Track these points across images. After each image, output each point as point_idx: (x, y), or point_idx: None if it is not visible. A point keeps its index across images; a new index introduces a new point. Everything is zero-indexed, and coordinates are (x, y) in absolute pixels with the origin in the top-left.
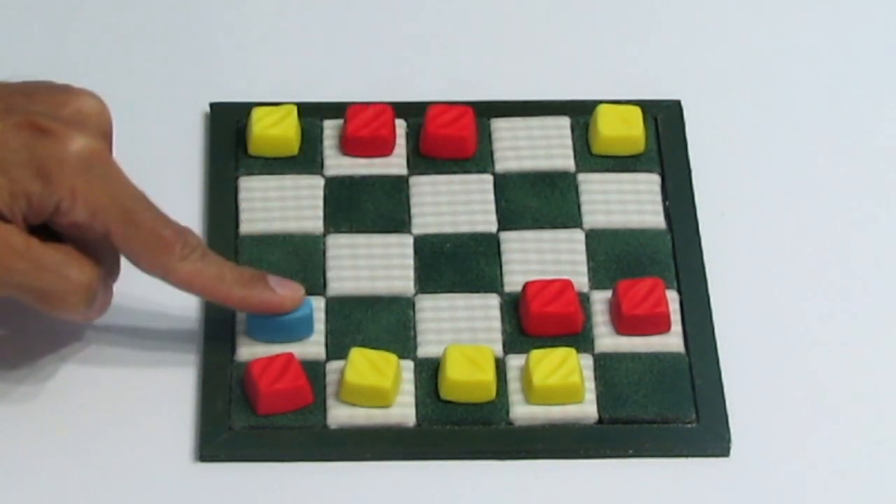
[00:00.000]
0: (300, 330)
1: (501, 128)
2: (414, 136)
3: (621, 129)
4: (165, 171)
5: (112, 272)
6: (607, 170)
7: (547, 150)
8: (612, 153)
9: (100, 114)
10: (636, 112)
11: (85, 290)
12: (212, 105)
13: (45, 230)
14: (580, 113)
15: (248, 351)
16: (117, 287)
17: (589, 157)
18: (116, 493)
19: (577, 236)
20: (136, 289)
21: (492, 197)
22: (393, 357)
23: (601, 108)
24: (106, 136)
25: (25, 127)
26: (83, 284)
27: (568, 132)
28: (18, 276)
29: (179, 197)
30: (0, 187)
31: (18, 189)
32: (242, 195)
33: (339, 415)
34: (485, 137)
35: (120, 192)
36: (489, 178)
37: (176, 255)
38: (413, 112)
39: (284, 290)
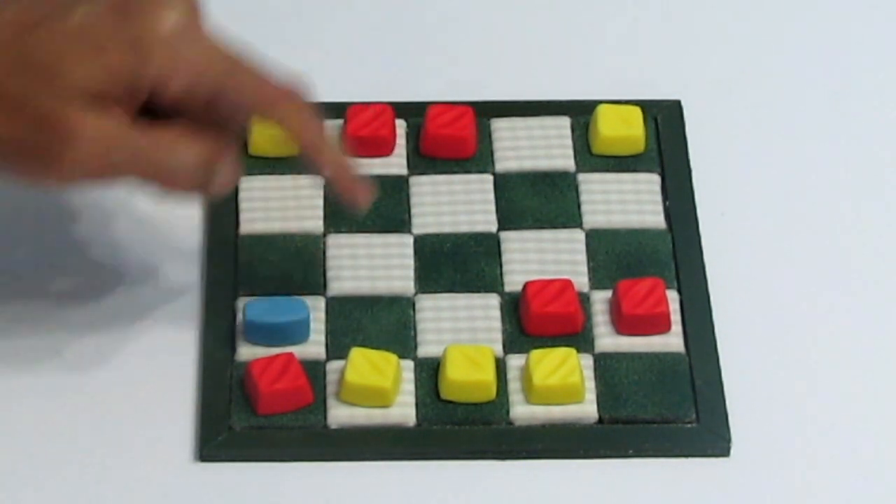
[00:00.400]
0: (297, 334)
1: (501, 128)
2: (414, 136)
3: (621, 129)
4: None
5: (231, 140)
6: (607, 170)
7: (547, 150)
8: (612, 153)
9: None
10: (636, 112)
11: (196, 170)
12: None
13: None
14: (580, 113)
15: (249, 351)
16: (117, 288)
17: (589, 156)
18: (116, 492)
19: (578, 236)
20: (136, 289)
21: (492, 197)
22: (393, 357)
23: (601, 108)
24: (193, 5)
25: (114, 9)
26: (193, 164)
27: (568, 132)
28: (130, 166)
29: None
30: (97, 67)
31: (115, 66)
32: (242, 195)
33: (340, 415)
34: (485, 137)
35: (216, 55)
36: (489, 177)
37: (281, 100)
38: (413, 112)
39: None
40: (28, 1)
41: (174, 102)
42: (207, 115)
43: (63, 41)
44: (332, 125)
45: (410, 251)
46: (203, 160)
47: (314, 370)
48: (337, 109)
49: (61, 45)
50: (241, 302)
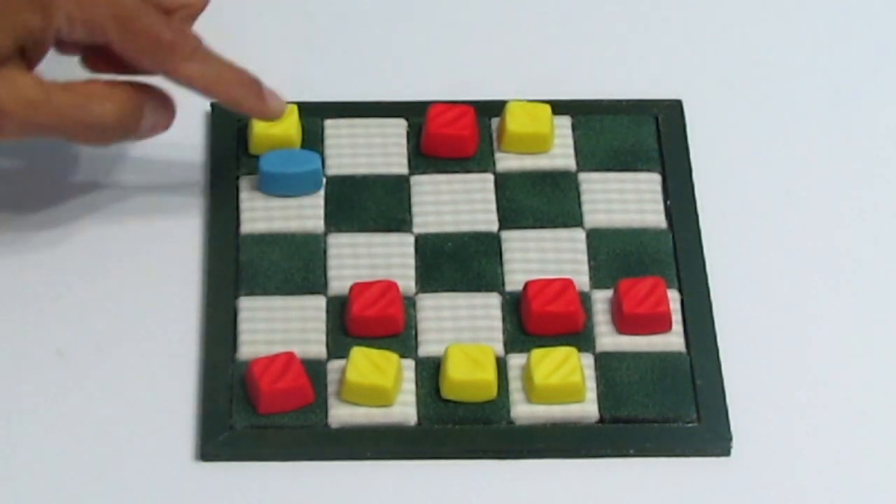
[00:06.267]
0: (309, 184)
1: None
2: (415, 136)
3: (530, 126)
4: (166, 171)
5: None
6: (608, 169)
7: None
8: (520, 150)
9: None
10: (545, 109)
11: (109, 124)
12: (212, 105)
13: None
14: (581, 112)
15: (249, 350)
16: (117, 286)
17: (500, 153)
18: (117, 492)
19: (579, 235)
20: (137, 288)
21: (493, 196)
22: (394, 356)
23: (511, 105)
24: None
25: None
26: (106, 117)
27: (569, 131)
28: (46, 128)
29: (180, 197)
30: (5, 27)
31: (21, 27)
32: (243, 195)
33: (340, 414)
34: (485, 137)
35: (112, 5)
36: (490, 177)
37: (178, 55)
38: (414, 112)
39: (273, 101)
40: None
41: (73, 50)
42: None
43: None
44: (333, 124)
45: (411, 250)
46: (122, 108)
47: (315, 369)
48: (338, 109)
49: None
50: (242, 301)
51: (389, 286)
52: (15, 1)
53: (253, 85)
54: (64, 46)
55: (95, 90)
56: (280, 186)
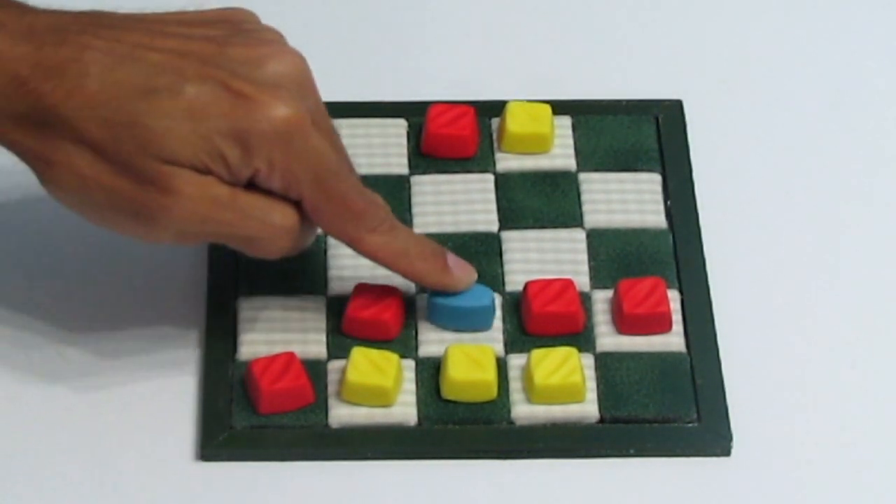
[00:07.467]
0: (479, 320)
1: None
2: (415, 136)
3: (530, 127)
4: None
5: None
6: (608, 169)
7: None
8: (520, 150)
9: (300, 73)
10: (545, 110)
11: (288, 233)
12: None
13: None
14: (581, 112)
15: (250, 350)
16: (118, 287)
17: (500, 153)
18: (117, 492)
19: (579, 236)
20: (138, 288)
21: (493, 196)
22: (394, 356)
23: (511, 105)
24: (306, 96)
25: (228, 91)
26: (286, 228)
27: (569, 131)
28: (225, 226)
29: None
30: (202, 153)
31: (217, 153)
32: None
33: (341, 414)
34: (486, 137)
35: (316, 164)
36: (490, 177)
37: (365, 226)
38: (414, 112)
39: (459, 272)
40: (148, 61)
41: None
42: None
43: (172, 119)
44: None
45: None
46: (295, 224)
47: (315, 369)
48: (337, 109)
49: (170, 123)
50: (242, 301)
51: (392, 290)
52: (217, 129)
53: (438, 258)
54: (255, 183)
55: (277, 198)
56: (449, 318)
